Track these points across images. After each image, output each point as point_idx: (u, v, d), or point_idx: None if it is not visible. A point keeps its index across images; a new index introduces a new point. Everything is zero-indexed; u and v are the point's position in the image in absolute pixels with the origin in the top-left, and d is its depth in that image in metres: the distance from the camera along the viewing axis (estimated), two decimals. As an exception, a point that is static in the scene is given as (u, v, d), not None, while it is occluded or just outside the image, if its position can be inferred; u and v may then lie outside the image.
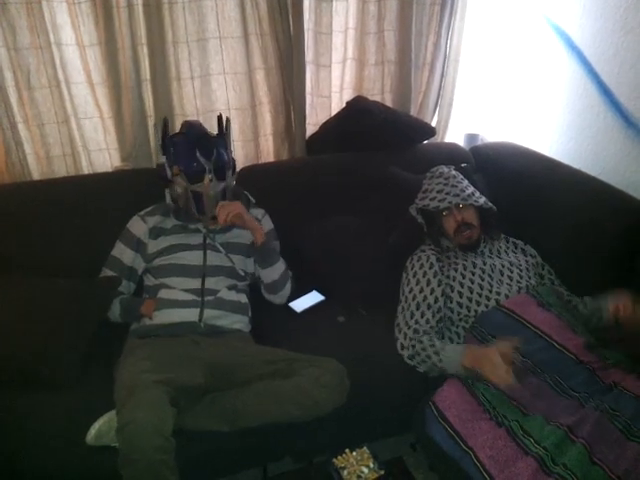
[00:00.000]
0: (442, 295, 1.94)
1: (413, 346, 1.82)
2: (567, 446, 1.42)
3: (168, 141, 2.02)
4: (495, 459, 1.45)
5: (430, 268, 1.98)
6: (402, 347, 1.87)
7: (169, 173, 2.00)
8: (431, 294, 1.92)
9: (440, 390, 1.70)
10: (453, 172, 2.10)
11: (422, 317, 1.89)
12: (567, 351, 1.69)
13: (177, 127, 2.19)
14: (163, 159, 2.02)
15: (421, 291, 1.94)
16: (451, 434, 1.57)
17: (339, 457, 1.55)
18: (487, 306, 1.89)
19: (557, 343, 1.71)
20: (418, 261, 2.03)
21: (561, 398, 1.59)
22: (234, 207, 1.95)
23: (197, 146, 1.95)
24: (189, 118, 2.36)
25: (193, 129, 2.04)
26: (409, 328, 1.88)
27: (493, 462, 1.45)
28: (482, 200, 2.05)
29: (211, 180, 1.96)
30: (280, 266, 2.09)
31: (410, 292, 1.96)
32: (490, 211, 2.07)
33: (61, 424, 1.62)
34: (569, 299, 1.96)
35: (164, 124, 2.05)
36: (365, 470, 1.52)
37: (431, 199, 2.04)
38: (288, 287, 2.13)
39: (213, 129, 2.14)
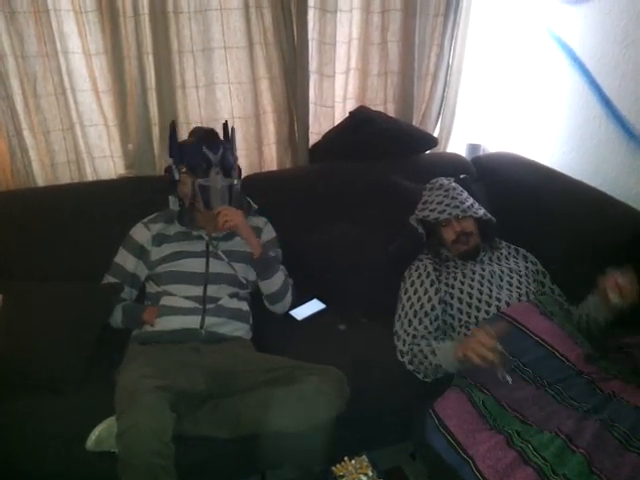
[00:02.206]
0: (439, 303, 1.94)
1: (411, 349, 1.84)
2: (567, 456, 1.42)
3: (176, 145, 2.03)
4: (495, 468, 1.45)
5: (427, 277, 1.99)
6: (402, 354, 1.88)
7: (176, 174, 2.01)
8: (428, 302, 1.93)
9: (441, 399, 1.70)
10: (453, 184, 2.12)
11: (420, 324, 1.90)
12: (568, 361, 1.69)
13: (182, 135, 2.21)
14: (170, 161, 2.03)
15: (418, 300, 1.95)
16: (451, 443, 1.57)
17: (338, 465, 1.54)
18: (487, 312, 1.90)
19: (558, 353, 1.71)
20: (416, 270, 2.04)
21: (561, 408, 1.58)
22: (234, 216, 1.98)
23: (204, 142, 1.98)
24: (185, 128, 2.38)
25: (200, 130, 2.08)
26: (408, 335, 1.89)
27: (492, 471, 1.45)
28: (481, 212, 2.06)
29: (217, 173, 1.97)
30: (280, 277, 2.09)
31: (408, 301, 1.97)
32: (489, 222, 2.08)
33: (61, 429, 1.63)
34: (567, 308, 1.96)
35: (172, 128, 2.06)
36: (364, 478, 1.51)
37: (431, 210, 2.05)
38: (289, 297, 2.13)
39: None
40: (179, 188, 2.03)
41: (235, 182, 2.04)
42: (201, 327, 1.94)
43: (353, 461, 1.56)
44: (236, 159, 2.09)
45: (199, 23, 2.36)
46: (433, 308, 1.93)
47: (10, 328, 1.81)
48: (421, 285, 1.98)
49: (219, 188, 1.97)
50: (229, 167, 2.02)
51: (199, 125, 2.47)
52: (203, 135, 2.03)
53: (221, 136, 2.12)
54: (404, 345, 1.88)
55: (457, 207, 2.02)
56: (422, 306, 1.93)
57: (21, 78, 2.23)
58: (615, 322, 1.81)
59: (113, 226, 2.13)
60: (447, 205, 2.02)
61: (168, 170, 2.05)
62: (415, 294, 1.97)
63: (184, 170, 2.00)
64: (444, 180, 2.13)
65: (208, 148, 1.97)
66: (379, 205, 2.39)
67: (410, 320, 1.92)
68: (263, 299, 2.15)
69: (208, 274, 2.04)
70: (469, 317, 1.92)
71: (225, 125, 2.11)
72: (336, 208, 2.43)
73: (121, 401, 1.57)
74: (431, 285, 1.97)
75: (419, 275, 2.01)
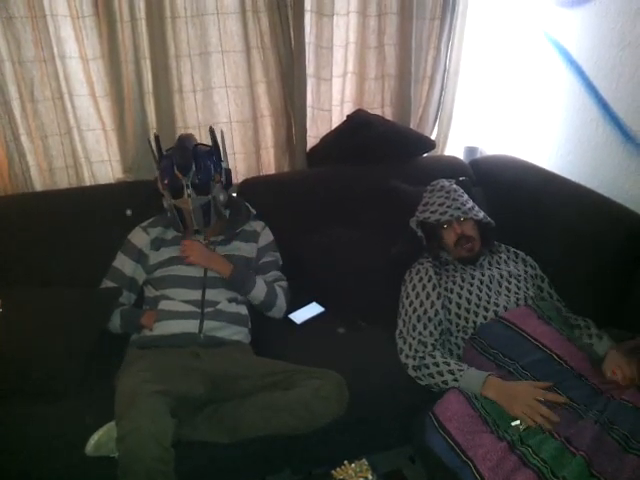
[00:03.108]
0: (442, 308, 1.94)
1: (422, 357, 1.82)
2: (567, 459, 1.42)
3: (163, 156, 2.05)
4: (495, 471, 1.45)
5: (429, 281, 1.99)
6: (407, 356, 1.86)
7: (160, 187, 2.03)
8: (431, 307, 1.93)
9: (441, 401, 1.70)
10: (454, 186, 2.12)
11: (425, 329, 1.89)
12: (566, 364, 1.69)
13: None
14: (157, 173, 2.05)
15: (421, 305, 1.94)
16: (451, 445, 1.56)
17: (338, 469, 1.54)
18: (485, 317, 1.90)
19: (556, 356, 1.71)
20: (417, 274, 2.04)
21: (560, 410, 1.58)
22: (190, 251, 1.99)
23: (175, 162, 1.97)
24: (183, 132, 2.37)
25: (178, 143, 2.06)
26: (414, 339, 1.88)
27: (493, 474, 1.44)
28: (481, 214, 2.06)
29: (189, 195, 1.96)
30: (260, 288, 2.07)
31: (410, 305, 1.97)
32: (489, 225, 2.08)
33: (60, 434, 1.63)
34: (567, 315, 1.96)
35: (156, 140, 2.07)
36: (364, 482, 1.52)
37: (432, 212, 2.05)
38: (280, 303, 2.12)
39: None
40: (163, 201, 2.05)
41: (214, 196, 2.02)
42: (200, 331, 1.94)
43: (353, 465, 1.56)
44: (222, 166, 2.08)
45: (196, 27, 2.37)
46: (436, 313, 1.92)
47: (9, 333, 1.81)
48: (423, 289, 1.98)
49: (191, 209, 1.97)
50: (203, 185, 1.99)
51: (197, 129, 2.49)
52: (176, 154, 2.01)
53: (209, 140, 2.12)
54: (410, 349, 1.87)
55: (458, 209, 2.02)
56: (425, 311, 1.92)
57: (18, 83, 2.23)
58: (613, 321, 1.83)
59: (111, 230, 2.13)
60: (448, 207, 2.02)
61: (156, 181, 2.06)
62: (417, 298, 1.96)
63: (164, 187, 2.01)
64: (445, 182, 2.13)
65: (179, 169, 1.96)
66: (378, 209, 2.39)
67: (414, 325, 1.91)
68: None
69: (206, 278, 2.04)
70: (467, 322, 1.92)
71: (212, 131, 2.10)
72: (335, 212, 2.43)
73: (121, 406, 1.56)
74: (433, 289, 1.97)
75: (420, 279, 2.01)
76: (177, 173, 1.96)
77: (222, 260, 2.04)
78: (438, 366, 1.77)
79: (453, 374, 1.73)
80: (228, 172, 2.11)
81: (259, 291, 2.06)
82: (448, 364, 1.77)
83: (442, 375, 1.75)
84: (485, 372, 1.71)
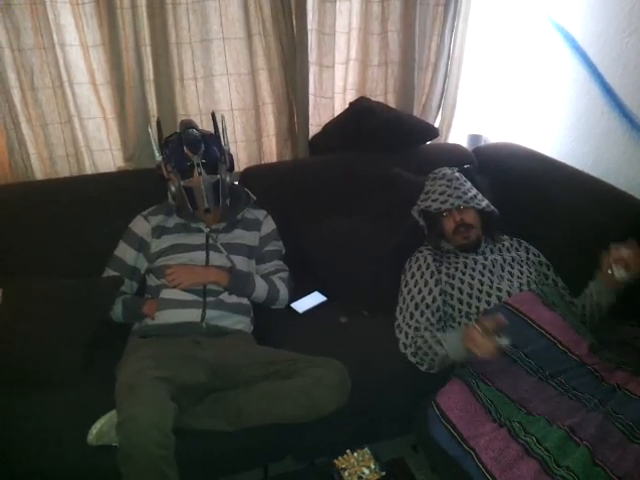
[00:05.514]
0: (440, 294, 1.93)
1: (415, 342, 1.82)
2: (570, 448, 1.42)
3: (165, 141, 2.04)
4: (497, 460, 1.45)
5: (427, 268, 1.98)
6: (405, 346, 1.87)
7: (165, 172, 2.02)
8: (429, 294, 1.92)
9: (443, 391, 1.70)
10: (456, 174, 2.10)
11: (422, 316, 1.89)
12: (571, 352, 1.68)
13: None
14: (160, 159, 2.04)
15: (419, 292, 1.94)
16: (453, 435, 1.57)
17: (340, 458, 1.55)
18: (488, 302, 1.89)
19: (561, 344, 1.70)
20: (416, 262, 2.03)
21: (564, 399, 1.58)
22: (180, 279, 1.96)
23: (184, 142, 1.97)
24: (184, 118, 2.36)
25: (181, 126, 2.06)
26: (410, 327, 1.88)
27: (495, 463, 1.45)
28: (484, 203, 2.05)
29: (200, 173, 1.96)
30: (261, 289, 2.07)
31: (408, 293, 1.96)
32: (492, 214, 2.07)
33: (62, 424, 1.63)
34: (570, 301, 1.95)
35: (158, 125, 2.07)
36: (366, 471, 1.51)
37: (433, 200, 2.04)
38: (282, 296, 2.11)
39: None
40: (169, 185, 2.04)
41: (221, 177, 2.01)
42: (202, 320, 1.94)
43: (355, 454, 1.57)
44: (225, 151, 2.08)
45: (197, 14, 2.34)
46: (434, 300, 1.92)
47: (10, 321, 1.81)
48: (421, 277, 1.97)
49: (202, 188, 1.96)
50: (213, 163, 2.00)
51: (198, 117, 2.48)
52: (184, 133, 2.00)
53: (211, 127, 2.11)
54: (407, 337, 1.87)
55: (459, 197, 2.00)
56: (423, 298, 1.92)
57: (18, 71, 2.22)
58: (617, 309, 1.81)
59: (113, 219, 2.13)
60: (449, 195, 2.01)
61: (159, 167, 2.05)
62: (415, 286, 1.96)
63: (170, 170, 2.00)
64: (447, 170, 2.11)
65: (189, 148, 1.95)
66: (380, 197, 2.38)
67: (412, 312, 1.91)
68: None
69: (208, 267, 2.03)
70: (469, 307, 1.91)
71: (213, 116, 2.10)
72: (337, 200, 2.42)
73: (121, 392, 1.56)
74: (431, 277, 1.96)
75: (419, 267, 2.00)
76: (187, 152, 1.95)
77: (216, 270, 2.03)
78: (427, 341, 1.78)
79: (439, 344, 1.73)
80: (231, 156, 2.11)
81: (260, 292, 2.06)
82: (435, 336, 1.77)
83: (431, 347, 1.76)
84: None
